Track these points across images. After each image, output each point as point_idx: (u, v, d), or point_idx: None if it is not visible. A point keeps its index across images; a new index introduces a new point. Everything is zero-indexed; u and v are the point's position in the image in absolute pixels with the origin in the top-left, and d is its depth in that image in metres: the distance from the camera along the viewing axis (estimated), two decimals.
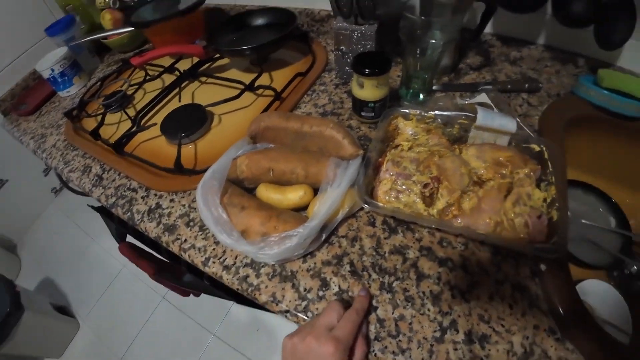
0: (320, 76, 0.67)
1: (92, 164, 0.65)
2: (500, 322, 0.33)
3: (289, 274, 0.40)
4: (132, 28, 0.80)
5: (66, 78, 0.87)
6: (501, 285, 0.35)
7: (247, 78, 0.66)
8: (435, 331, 0.33)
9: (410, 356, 0.32)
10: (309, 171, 0.43)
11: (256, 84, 0.65)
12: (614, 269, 0.50)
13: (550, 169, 0.38)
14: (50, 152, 0.73)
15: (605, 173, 0.56)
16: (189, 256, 0.46)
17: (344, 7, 0.52)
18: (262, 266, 0.41)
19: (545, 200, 0.37)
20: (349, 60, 0.59)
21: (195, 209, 0.50)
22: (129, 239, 0.88)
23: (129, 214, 0.53)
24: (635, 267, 0.48)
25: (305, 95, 0.64)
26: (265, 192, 0.44)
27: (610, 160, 0.54)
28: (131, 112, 0.71)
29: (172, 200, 0.52)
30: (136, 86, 0.78)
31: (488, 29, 0.60)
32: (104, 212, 0.88)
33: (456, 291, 0.35)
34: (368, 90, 0.48)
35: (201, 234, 0.47)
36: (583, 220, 0.53)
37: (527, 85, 0.51)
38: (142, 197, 0.55)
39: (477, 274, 0.36)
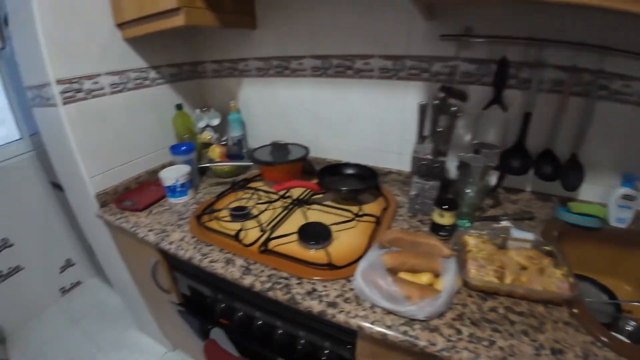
0: (396, 210, 1.03)
1: (234, 258, 0.87)
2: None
3: (433, 327, 0.65)
4: (251, 163, 1.16)
5: (184, 189, 1.13)
6: (547, 323, 0.64)
7: (348, 208, 1.01)
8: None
9: None
10: (430, 265, 0.73)
11: (361, 213, 0.98)
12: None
13: (559, 258, 0.73)
14: (180, 244, 0.93)
15: (589, 266, 0.92)
16: (354, 323, 0.68)
17: (422, 171, 0.93)
18: (413, 323, 0.66)
19: (562, 274, 0.70)
20: (418, 202, 0.97)
21: (346, 290, 0.75)
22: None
23: (289, 295, 0.75)
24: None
25: (392, 222, 0.98)
26: (406, 276, 0.72)
27: (589, 258, 0.92)
28: (254, 223, 1.00)
29: (324, 286, 0.77)
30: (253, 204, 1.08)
31: None
32: (190, 307, 1.03)
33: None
34: (446, 218, 0.84)
35: (360, 307, 0.71)
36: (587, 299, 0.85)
37: (527, 215, 0.91)
38: (297, 284, 0.78)
39: (541, 316, 0.66)
